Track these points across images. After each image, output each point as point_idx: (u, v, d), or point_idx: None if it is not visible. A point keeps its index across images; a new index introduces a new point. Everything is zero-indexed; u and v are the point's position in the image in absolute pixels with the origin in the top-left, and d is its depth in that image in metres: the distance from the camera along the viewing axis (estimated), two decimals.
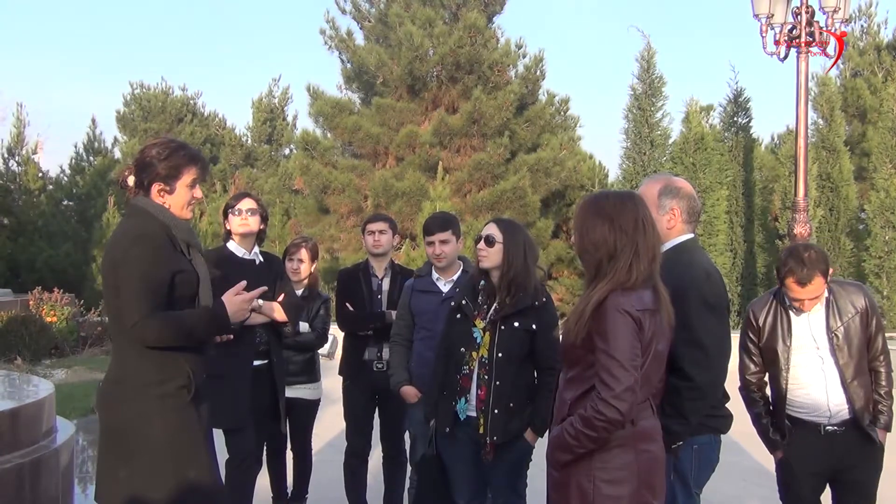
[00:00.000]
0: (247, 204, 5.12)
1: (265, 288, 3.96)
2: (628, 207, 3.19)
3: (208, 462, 3.59)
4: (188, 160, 3.59)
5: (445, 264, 5.12)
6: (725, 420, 3.83)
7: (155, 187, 3.55)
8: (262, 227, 5.19)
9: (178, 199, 3.59)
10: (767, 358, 4.34)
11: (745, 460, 7.40)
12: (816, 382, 4.22)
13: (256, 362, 5.06)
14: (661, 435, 3.26)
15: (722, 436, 3.84)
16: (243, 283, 3.68)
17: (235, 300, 3.60)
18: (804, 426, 4.27)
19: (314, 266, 6.04)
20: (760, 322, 4.33)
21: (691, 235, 3.83)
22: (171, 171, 3.55)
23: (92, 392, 9.94)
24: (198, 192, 3.66)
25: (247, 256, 5.10)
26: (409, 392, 5.09)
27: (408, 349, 5.19)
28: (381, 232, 5.72)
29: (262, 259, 5.18)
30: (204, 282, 3.65)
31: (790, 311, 4.26)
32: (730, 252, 18.04)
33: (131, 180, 3.61)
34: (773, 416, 4.38)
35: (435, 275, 5.18)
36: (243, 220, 5.07)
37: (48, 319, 14.15)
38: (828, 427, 4.22)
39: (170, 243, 3.50)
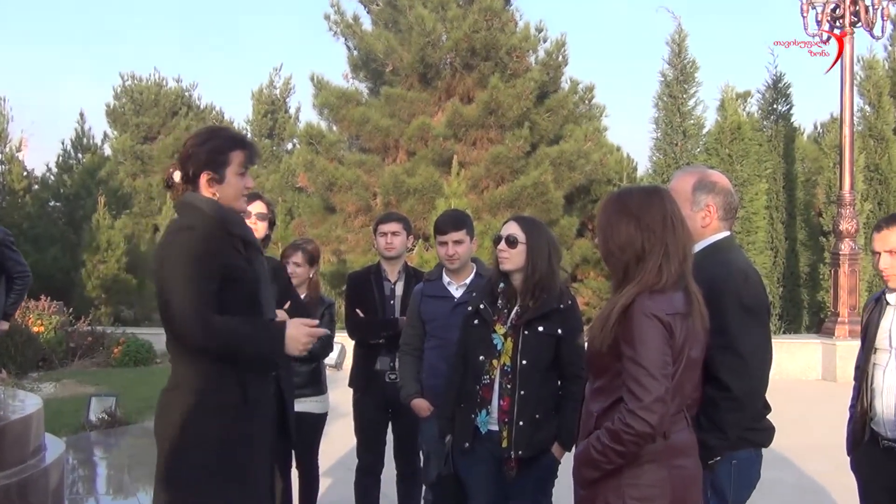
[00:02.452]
0: (257, 207, 5.09)
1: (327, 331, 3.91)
2: (655, 203, 3.17)
3: (261, 478, 3.62)
4: (232, 142, 3.61)
5: (458, 266, 5.11)
6: (767, 433, 3.79)
7: (203, 177, 3.56)
8: (268, 232, 5.19)
9: (229, 188, 3.58)
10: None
11: (788, 476, 7.38)
12: (877, 386, 4.15)
13: None
14: (697, 450, 3.25)
15: (763, 450, 3.82)
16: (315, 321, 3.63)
17: (301, 329, 3.50)
18: (873, 433, 4.19)
19: (313, 271, 6.00)
20: (865, 313, 4.33)
21: (728, 233, 3.82)
22: (214, 155, 3.55)
23: (82, 407, 10.03)
24: (249, 182, 3.66)
25: None
26: (421, 405, 5.09)
27: (418, 359, 5.18)
28: (394, 233, 5.68)
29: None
30: (264, 285, 3.64)
31: (887, 305, 4.18)
32: (770, 250, 17.97)
33: (177, 176, 3.61)
34: (854, 417, 4.31)
35: (446, 279, 5.16)
36: (252, 224, 5.01)
37: (35, 329, 14.21)
38: (884, 440, 4.12)
39: (220, 235, 3.49)
